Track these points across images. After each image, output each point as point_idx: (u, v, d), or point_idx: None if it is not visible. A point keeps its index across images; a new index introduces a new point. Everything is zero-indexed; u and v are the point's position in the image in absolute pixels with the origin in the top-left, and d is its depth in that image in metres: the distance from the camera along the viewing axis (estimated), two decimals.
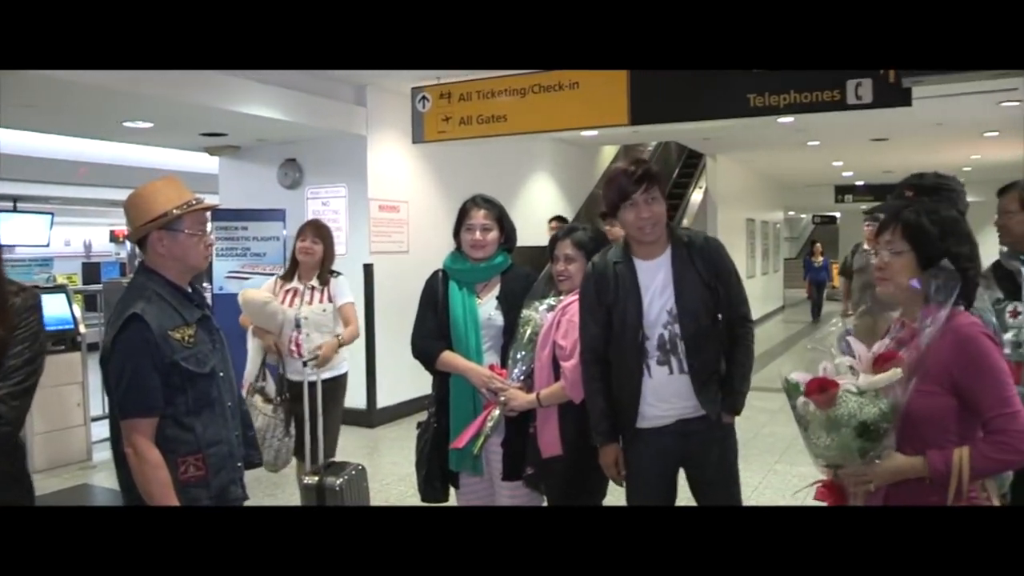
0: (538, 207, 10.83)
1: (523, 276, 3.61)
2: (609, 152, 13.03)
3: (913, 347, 2.13)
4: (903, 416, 2.11)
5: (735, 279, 3.14)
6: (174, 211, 2.57)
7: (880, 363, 2.13)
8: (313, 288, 4.80)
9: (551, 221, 7.56)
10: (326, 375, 4.71)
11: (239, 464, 2.71)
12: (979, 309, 2.46)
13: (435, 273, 3.59)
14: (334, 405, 4.82)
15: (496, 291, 3.52)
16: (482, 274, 3.54)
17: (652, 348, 3.02)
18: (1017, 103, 8.82)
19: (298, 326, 4.70)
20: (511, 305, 3.44)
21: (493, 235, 3.52)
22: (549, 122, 6.80)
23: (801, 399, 2.17)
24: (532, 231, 10.59)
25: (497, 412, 3.32)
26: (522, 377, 3.33)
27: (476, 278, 3.54)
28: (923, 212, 2.22)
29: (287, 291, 4.81)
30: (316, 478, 4.21)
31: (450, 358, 3.43)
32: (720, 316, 3.07)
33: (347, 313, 4.84)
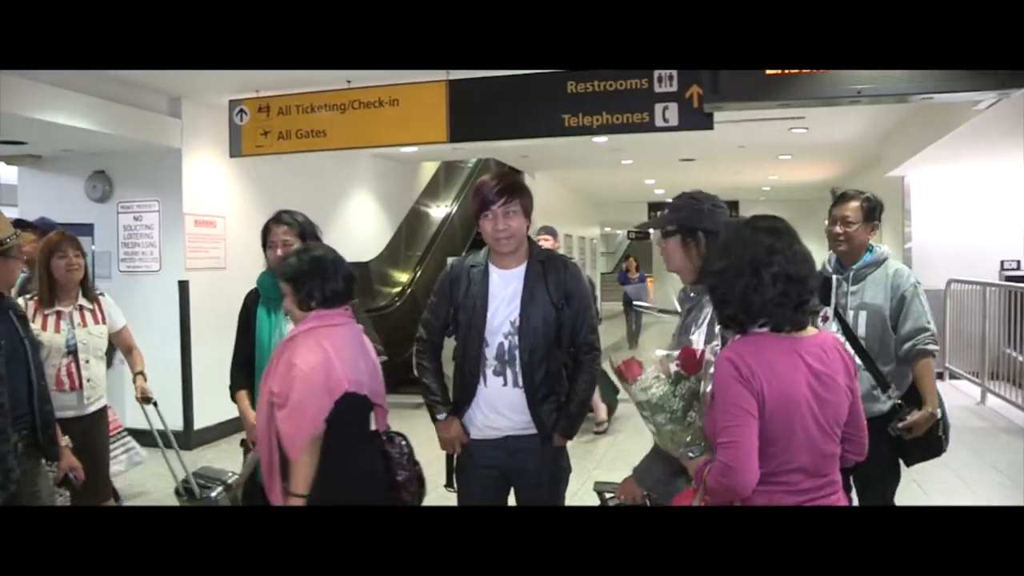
0: (358, 222, 10.79)
1: None
2: (429, 168, 13.12)
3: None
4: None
5: (585, 306, 3.17)
6: None
7: (685, 356, 2.33)
8: (83, 308, 4.24)
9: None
10: (96, 406, 4.27)
11: None
12: None
13: (250, 292, 3.53)
14: (104, 437, 4.42)
15: None
16: (279, 292, 3.36)
17: (491, 356, 3.08)
18: (805, 130, 9.55)
19: (72, 353, 4.14)
20: None
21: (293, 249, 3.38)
22: (369, 138, 6.82)
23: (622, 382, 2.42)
24: (354, 246, 10.54)
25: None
26: None
27: (276, 296, 3.33)
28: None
29: (46, 316, 4.12)
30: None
31: (241, 404, 3.41)
32: (564, 339, 3.10)
33: (127, 338, 4.50)
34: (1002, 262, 10.26)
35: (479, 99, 6.35)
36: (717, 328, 2.38)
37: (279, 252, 3.36)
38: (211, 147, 7.63)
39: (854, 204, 3.68)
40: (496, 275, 3.15)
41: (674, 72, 5.91)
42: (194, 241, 7.59)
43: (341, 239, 10.27)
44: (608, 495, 2.98)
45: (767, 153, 11.97)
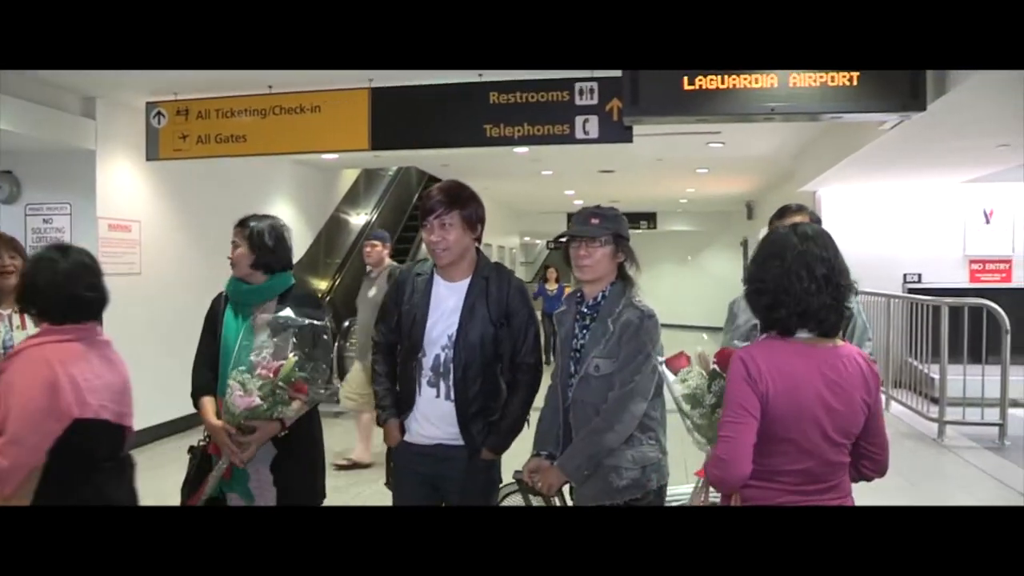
0: None
1: (305, 298, 3.45)
2: (350, 175, 13.04)
3: None
4: None
5: (527, 326, 3.12)
6: None
7: (721, 356, 2.45)
8: (23, 309, 4.12)
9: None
10: None
11: None
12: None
13: (219, 295, 3.46)
14: None
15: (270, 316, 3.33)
16: (250, 296, 3.38)
17: (427, 367, 3.08)
18: (722, 145, 9.78)
19: None
20: None
21: (240, 253, 3.36)
22: (290, 144, 6.78)
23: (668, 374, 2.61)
24: None
25: (223, 460, 3.18)
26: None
27: (246, 300, 3.37)
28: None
29: None
30: None
31: (203, 411, 3.27)
32: (503, 357, 3.08)
33: None
34: (905, 275, 10.66)
35: (401, 107, 6.37)
36: (756, 332, 2.56)
37: (230, 254, 3.40)
38: (126, 149, 7.46)
39: (796, 220, 3.41)
40: (441, 286, 3.13)
41: (595, 85, 6.01)
42: (108, 246, 7.39)
43: None
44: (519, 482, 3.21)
45: (685, 166, 12.20)
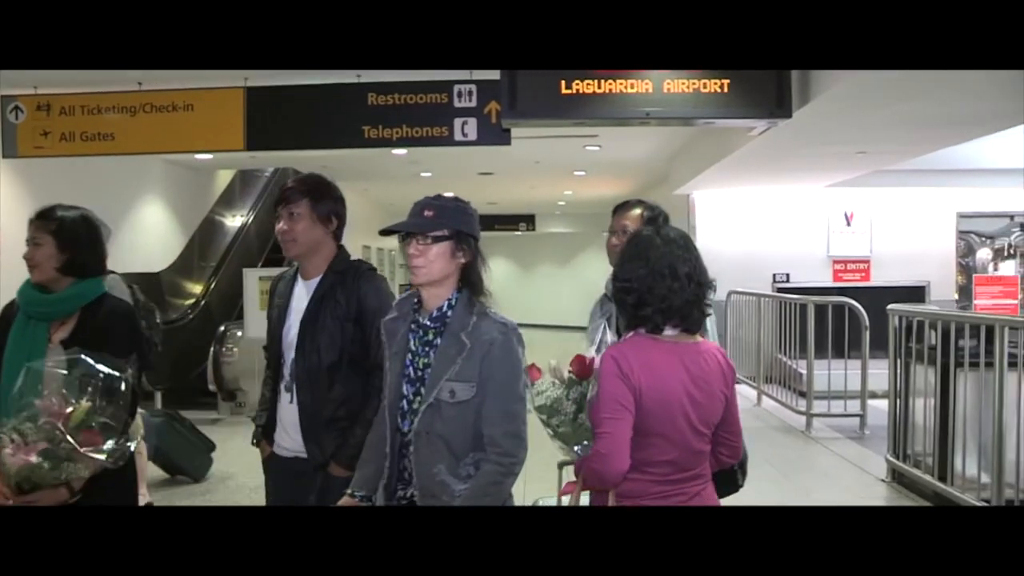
0: (149, 231, 10.30)
1: (114, 313, 2.82)
2: (225, 176, 12.70)
3: None
4: None
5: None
6: None
7: (577, 362, 2.44)
8: None
9: None
10: None
11: None
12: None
13: (10, 303, 2.90)
14: None
15: (69, 331, 2.75)
16: (54, 309, 2.77)
17: (286, 372, 2.94)
18: (598, 148, 9.96)
19: None
20: (88, 348, 2.54)
21: (43, 252, 2.74)
22: (161, 143, 6.55)
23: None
24: (144, 255, 10.06)
25: None
26: None
27: (43, 311, 2.77)
28: None
29: None
30: None
31: None
32: (357, 359, 2.87)
33: None
34: (774, 275, 11.08)
35: (277, 107, 6.25)
36: (610, 337, 2.53)
37: (25, 255, 2.77)
38: None
39: (635, 213, 3.39)
40: (299, 286, 3.00)
41: (473, 88, 6.03)
42: None
43: (130, 248, 9.79)
44: None
45: (562, 169, 12.36)
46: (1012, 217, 11.59)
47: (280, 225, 2.90)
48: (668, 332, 2.34)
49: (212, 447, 6.82)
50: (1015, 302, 10.10)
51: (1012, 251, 11.74)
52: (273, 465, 3.03)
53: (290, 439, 2.93)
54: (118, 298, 2.92)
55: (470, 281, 2.48)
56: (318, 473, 2.85)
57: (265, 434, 3.05)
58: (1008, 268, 11.47)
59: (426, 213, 2.47)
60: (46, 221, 2.76)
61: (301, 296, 2.97)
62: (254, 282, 9.27)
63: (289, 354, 2.93)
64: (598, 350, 2.49)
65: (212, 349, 9.53)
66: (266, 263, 11.88)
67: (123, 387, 2.47)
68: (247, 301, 9.29)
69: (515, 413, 2.39)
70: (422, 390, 2.42)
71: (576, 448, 2.44)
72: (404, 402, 2.46)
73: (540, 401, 2.46)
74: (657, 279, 2.30)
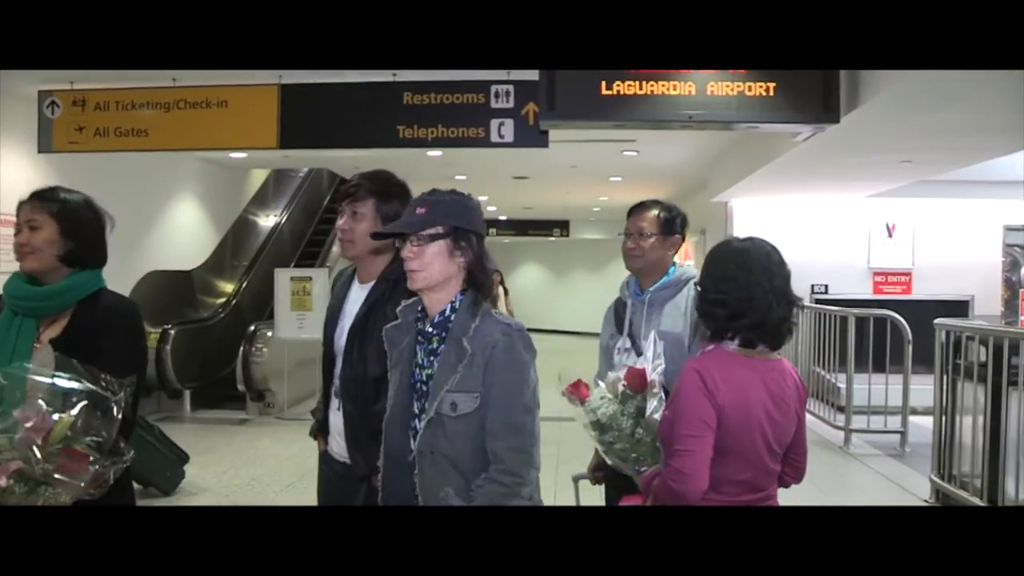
0: (182, 229, 10.30)
1: (114, 310, 2.51)
2: (259, 175, 12.70)
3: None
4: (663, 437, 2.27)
5: None
6: None
7: (632, 375, 2.35)
8: None
9: None
10: None
11: None
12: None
13: None
14: None
15: (61, 329, 2.47)
16: (39, 301, 2.48)
17: (336, 376, 2.79)
18: (636, 153, 9.80)
19: None
20: (82, 348, 2.30)
21: (42, 236, 2.46)
22: (195, 140, 6.47)
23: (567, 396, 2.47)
24: (176, 253, 10.06)
25: None
26: None
27: (32, 306, 2.48)
28: None
29: None
30: None
31: None
32: None
33: None
34: (812, 286, 10.85)
35: (312, 105, 6.15)
36: (660, 347, 2.46)
37: (19, 238, 2.50)
38: (17, 140, 7.06)
39: (651, 214, 3.20)
40: (355, 289, 2.84)
41: (511, 88, 5.91)
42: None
43: (162, 245, 9.79)
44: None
45: (598, 174, 12.21)
46: None
47: (340, 222, 2.75)
48: (759, 348, 2.24)
49: (185, 459, 6.38)
50: None
51: None
52: (325, 462, 2.93)
53: (338, 445, 2.81)
54: (119, 294, 2.58)
55: (476, 282, 2.27)
56: (362, 483, 2.69)
57: (321, 429, 2.93)
58: None
59: (419, 211, 2.25)
60: (46, 203, 2.47)
61: (355, 300, 2.81)
62: (285, 282, 9.25)
63: (339, 360, 2.79)
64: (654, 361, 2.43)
65: (242, 349, 9.51)
66: (298, 264, 11.88)
67: (115, 411, 2.14)
68: (278, 301, 9.27)
69: (519, 426, 2.15)
70: (425, 403, 2.23)
71: (637, 467, 2.38)
72: (416, 420, 2.26)
73: (594, 418, 2.37)
74: (758, 294, 2.19)
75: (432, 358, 2.26)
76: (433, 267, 2.23)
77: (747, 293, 2.19)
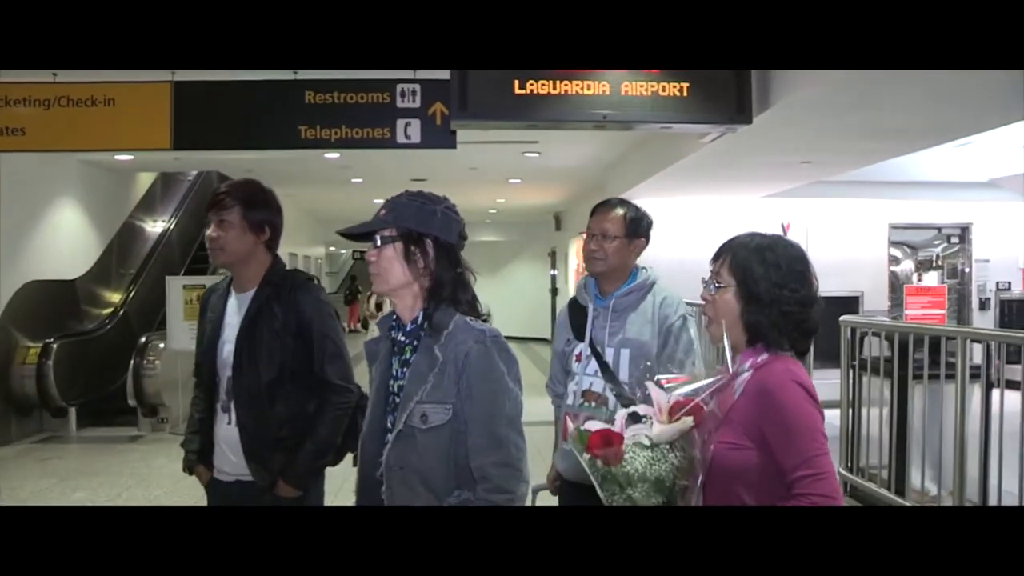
0: (63, 235, 9.74)
1: None
2: (146, 179, 12.15)
3: (728, 393, 1.93)
4: (713, 470, 1.87)
5: (323, 338, 2.75)
6: None
7: (675, 410, 1.87)
8: None
9: None
10: None
11: None
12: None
13: None
14: None
15: None
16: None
17: (221, 391, 2.76)
18: (538, 154, 9.76)
19: None
20: None
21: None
22: (79, 141, 6.07)
23: (587, 456, 1.86)
24: (56, 262, 9.51)
25: None
26: None
27: None
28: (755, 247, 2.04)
29: None
30: None
31: None
32: (300, 375, 2.72)
33: None
34: (703, 280, 11.03)
35: (208, 104, 5.84)
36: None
37: None
38: None
39: (616, 214, 3.01)
40: (232, 300, 2.83)
41: (417, 87, 5.74)
42: None
43: (41, 254, 9.23)
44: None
45: (498, 176, 12.14)
46: (940, 229, 11.84)
47: (208, 231, 2.74)
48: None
49: None
50: (943, 312, 10.23)
51: (939, 262, 11.98)
52: (215, 491, 2.84)
53: (231, 462, 2.75)
54: None
55: (441, 289, 2.13)
56: (265, 495, 2.69)
57: (202, 458, 2.85)
58: (931, 279, 11.72)
59: (381, 212, 2.17)
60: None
61: (235, 310, 2.81)
62: (178, 291, 8.85)
63: (225, 372, 2.76)
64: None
65: (132, 361, 9.07)
66: (189, 271, 11.46)
67: None
68: (170, 311, 8.86)
69: (503, 438, 2.01)
70: (396, 416, 2.10)
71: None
72: (388, 434, 2.12)
73: (639, 476, 1.81)
74: (815, 299, 1.97)
75: (405, 368, 2.13)
76: (391, 272, 2.12)
77: (813, 298, 1.97)
